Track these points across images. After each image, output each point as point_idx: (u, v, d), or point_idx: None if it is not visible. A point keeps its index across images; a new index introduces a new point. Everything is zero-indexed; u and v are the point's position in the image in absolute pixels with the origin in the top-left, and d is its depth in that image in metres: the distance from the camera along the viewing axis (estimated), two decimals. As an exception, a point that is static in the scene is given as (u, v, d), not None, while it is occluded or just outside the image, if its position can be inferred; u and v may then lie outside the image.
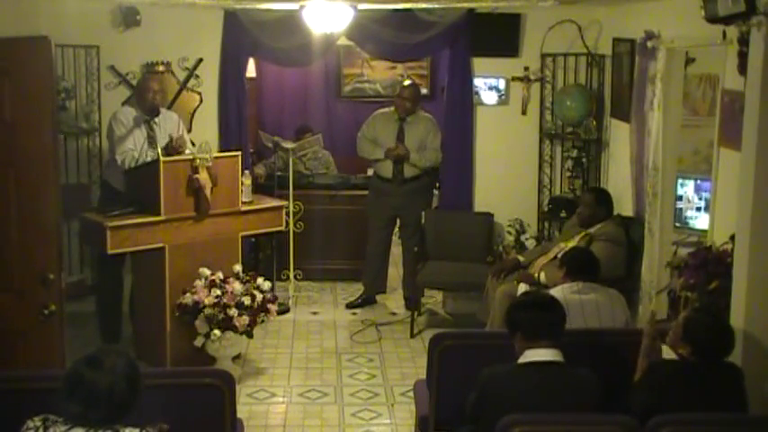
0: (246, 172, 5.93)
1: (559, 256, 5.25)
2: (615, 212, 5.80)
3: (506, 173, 6.99)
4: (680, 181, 5.75)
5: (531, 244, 6.67)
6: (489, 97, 6.98)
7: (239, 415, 3.85)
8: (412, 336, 6.40)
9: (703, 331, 3.39)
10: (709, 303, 3.95)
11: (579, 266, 4.68)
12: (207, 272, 5.39)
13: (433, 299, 7.07)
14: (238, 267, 5.53)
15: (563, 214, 6.53)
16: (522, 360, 3.32)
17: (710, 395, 3.32)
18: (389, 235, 7.05)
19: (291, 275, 6.99)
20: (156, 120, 5.78)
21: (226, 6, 6.57)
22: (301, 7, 6.05)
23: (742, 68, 3.91)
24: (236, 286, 5.37)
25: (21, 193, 3.77)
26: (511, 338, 3.41)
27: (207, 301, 5.27)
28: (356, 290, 7.17)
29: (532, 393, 3.25)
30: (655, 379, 3.41)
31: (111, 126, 5.78)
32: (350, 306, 7.00)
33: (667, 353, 3.59)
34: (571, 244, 5.52)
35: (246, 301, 5.37)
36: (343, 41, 7.32)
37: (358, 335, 6.44)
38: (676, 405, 3.24)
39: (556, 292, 4.40)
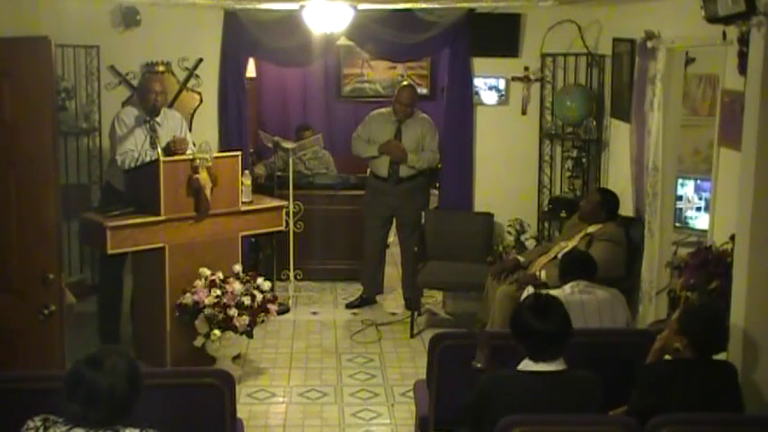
0: (246, 172, 5.92)
1: (560, 255, 5.26)
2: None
3: (506, 173, 6.99)
4: (680, 181, 5.75)
5: (531, 244, 6.67)
6: (489, 97, 6.98)
7: (239, 415, 3.85)
8: (412, 336, 6.40)
9: (699, 322, 3.42)
10: (709, 303, 3.96)
11: (578, 266, 4.68)
12: (207, 272, 5.39)
13: (433, 299, 7.07)
14: (238, 267, 5.53)
15: (563, 214, 6.53)
16: (522, 368, 3.29)
17: (706, 393, 3.33)
18: (386, 235, 7.06)
19: (291, 275, 6.99)
20: (158, 119, 5.78)
21: (226, 6, 6.57)
22: (301, 7, 6.05)
23: (742, 68, 3.91)
24: (236, 286, 5.37)
25: (21, 193, 3.77)
26: (513, 339, 3.40)
27: (207, 301, 5.27)
28: (356, 290, 7.18)
29: (533, 397, 3.23)
30: (650, 379, 3.42)
31: (114, 126, 5.78)
32: (350, 306, 7.00)
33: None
34: (571, 243, 5.52)
35: (246, 301, 5.37)
36: (343, 41, 7.33)
37: (358, 335, 6.44)
38: (673, 405, 3.24)
39: (556, 292, 4.40)
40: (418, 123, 6.80)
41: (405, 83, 7.28)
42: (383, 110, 6.95)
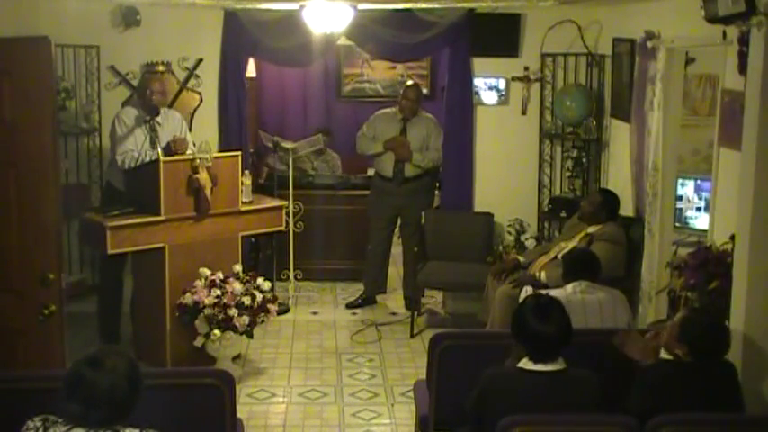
0: (246, 172, 5.93)
1: (560, 256, 5.25)
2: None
3: (506, 173, 6.99)
4: (680, 181, 5.75)
5: (531, 244, 6.67)
6: (489, 97, 6.98)
7: (239, 415, 3.85)
8: (412, 336, 6.40)
9: (700, 331, 3.41)
10: (709, 303, 3.95)
11: (581, 266, 4.67)
12: (207, 272, 5.39)
13: (433, 299, 7.08)
14: (238, 267, 5.53)
15: (563, 214, 6.53)
16: (523, 365, 3.31)
17: (706, 393, 3.33)
18: (390, 235, 7.07)
19: (291, 275, 6.99)
20: (158, 119, 5.77)
21: (226, 6, 6.57)
22: (301, 7, 6.05)
23: (742, 68, 3.91)
24: (236, 286, 5.37)
25: (21, 193, 3.77)
26: (513, 339, 3.40)
27: (207, 301, 5.27)
28: (356, 290, 7.18)
29: (533, 395, 3.24)
30: (650, 380, 3.41)
31: (114, 126, 5.78)
32: (350, 306, 7.01)
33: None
34: (572, 244, 5.52)
35: (246, 301, 5.37)
36: (343, 41, 7.32)
37: (358, 335, 6.44)
38: (672, 405, 3.24)
39: (558, 292, 4.40)
40: (423, 123, 6.83)
41: (410, 82, 7.32)
42: (388, 109, 6.98)
